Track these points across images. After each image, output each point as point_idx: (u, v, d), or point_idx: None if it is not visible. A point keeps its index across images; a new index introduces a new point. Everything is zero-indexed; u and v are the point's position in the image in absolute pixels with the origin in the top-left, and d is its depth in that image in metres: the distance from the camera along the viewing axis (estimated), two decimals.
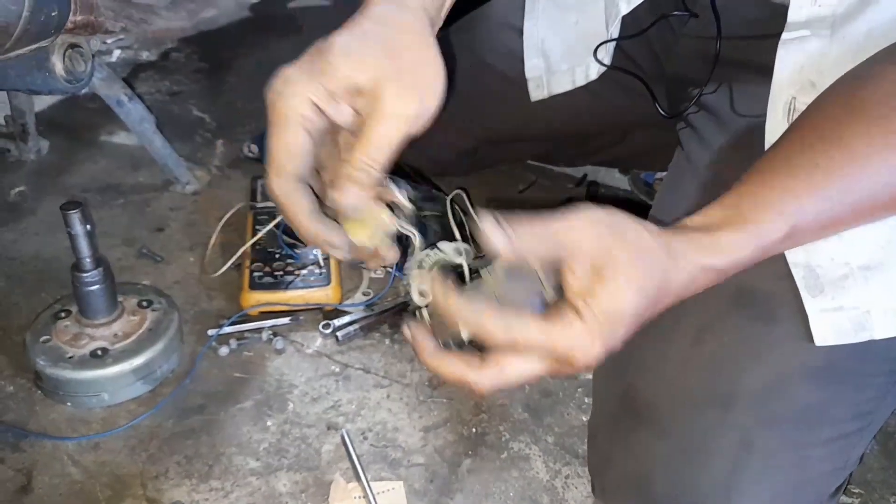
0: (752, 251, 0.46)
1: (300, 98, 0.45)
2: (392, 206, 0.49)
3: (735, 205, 0.47)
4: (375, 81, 0.45)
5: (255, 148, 1.18)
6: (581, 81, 0.83)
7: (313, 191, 0.49)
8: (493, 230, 0.42)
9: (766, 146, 0.57)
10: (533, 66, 0.85)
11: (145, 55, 1.51)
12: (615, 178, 1.18)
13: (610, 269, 0.42)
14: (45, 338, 0.77)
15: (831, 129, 0.47)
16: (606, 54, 0.80)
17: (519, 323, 0.42)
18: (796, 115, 0.56)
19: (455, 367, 0.44)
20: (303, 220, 0.46)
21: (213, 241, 0.97)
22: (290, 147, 0.45)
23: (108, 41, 1.19)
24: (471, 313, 0.43)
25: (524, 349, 0.43)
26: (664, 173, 0.84)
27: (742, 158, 0.63)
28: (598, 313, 0.42)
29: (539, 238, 0.43)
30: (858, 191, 0.46)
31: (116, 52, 1.50)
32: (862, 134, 0.46)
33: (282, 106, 0.45)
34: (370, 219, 0.48)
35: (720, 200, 0.49)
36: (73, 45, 0.76)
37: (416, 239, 0.49)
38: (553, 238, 0.43)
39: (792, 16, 0.58)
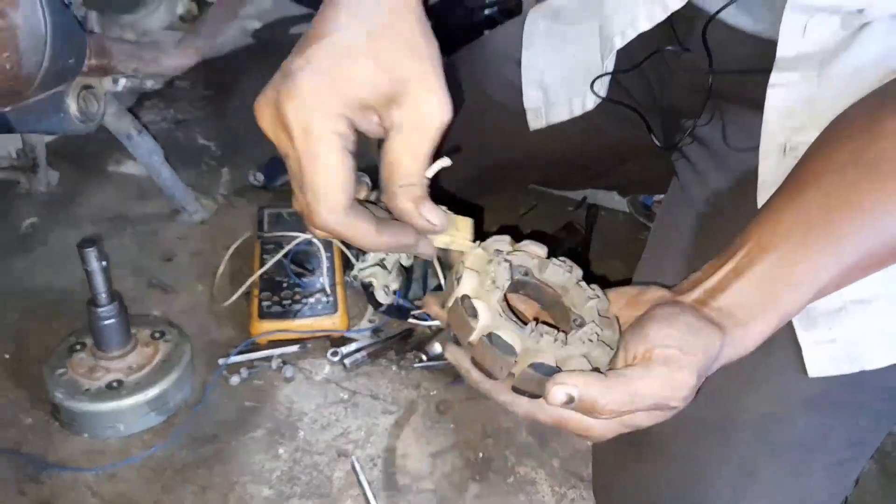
0: (775, 327, 0.48)
1: (335, 118, 0.40)
2: None
3: (762, 286, 0.48)
4: (410, 88, 0.41)
5: (260, 176, 1.21)
6: (578, 112, 0.86)
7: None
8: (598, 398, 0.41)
9: (760, 184, 0.59)
10: (531, 98, 0.87)
11: (150, 84, 1.52)
12: (614, 201, 1.20)
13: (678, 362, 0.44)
14: (61, 371, 0.79)
15: (847, 193, 0.48)
16: (602, 86, 0.83)
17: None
18: (792, 153, 0.57)
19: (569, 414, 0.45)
20: (372, 240, 0.43)
21: (220, 270, 1.00)
22: (339, 176, 0.40)
23: (121, 79, 1.21)
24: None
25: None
26: (662, 196, 0.87)
27: (732, 190, 0.65)
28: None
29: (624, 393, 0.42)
30: (872, 251, 0.48)
31: (122, 82, 1.52)
32: (874, 192, 0.47)
33: (317, 130, 0.40)
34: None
35: (745, 273, 0.48)
36: (86, 87, 0.79)
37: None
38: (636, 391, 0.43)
39: (781, 51, 0.60)
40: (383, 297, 0.88)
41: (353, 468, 0.74)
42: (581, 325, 0.47)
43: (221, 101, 1.49)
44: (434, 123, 0.42)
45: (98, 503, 0.71)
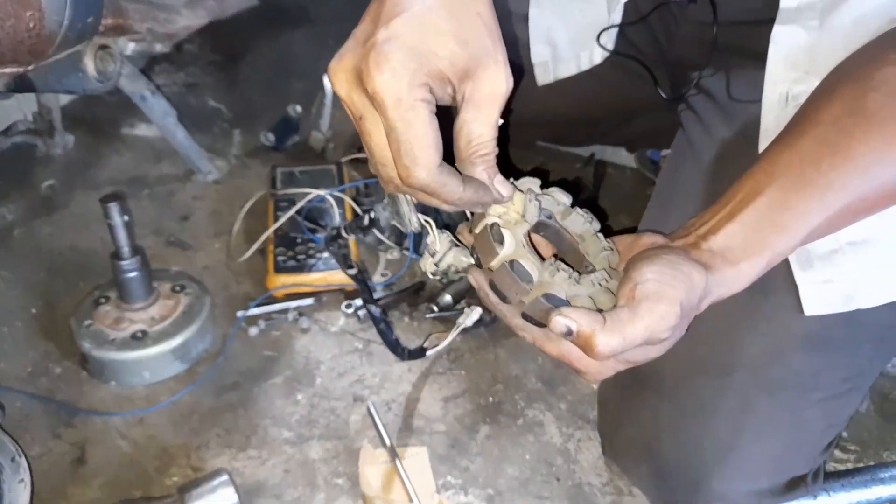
0: (764, 268, 0.50)
1: (420, 85, 0.43)
2: None
3: (754, 228, 0.50)
4: (482, 62, 0.45)
5: (271, 137, 1.22)
6: (586, 66, 0.87)
7: None
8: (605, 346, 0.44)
9: (762, 132, 0.60)
10: (539, 53, 0.88)
11: (159, 48, 1.54)
12: (622, 157, 1.21)
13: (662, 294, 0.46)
14: (88, 322, 0.82)
15: (839, 141, 0.50)
16: (609, 40, 0.84)
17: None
18: (794, 102, 0.59)
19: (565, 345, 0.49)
20: (459, 194, 0.46)
21: (236, 227, 1.02)
22: (431, 138, 0.43)
23: (135, 38, 1.23)
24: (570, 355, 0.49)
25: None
26: (669, 150, 0.88)
27: (736, 139, 0.67)
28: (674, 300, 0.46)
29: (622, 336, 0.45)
30: (861, 197, 0.50)
31: (131, 46, 1.53)
32: (865, 140, 0.49)
33: (408, 98, 0.42)
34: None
35: (738, 216, 0.50)
36: (103, 47, 0.80)
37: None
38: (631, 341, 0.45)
39: (784, 2, 0.61)
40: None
41: (369, 411, 0.77)
42: (591, 271, 0.50)
43: (230, 64, 1.50)
44: (501, 95, 0.45)
45: (128, 445, 0.75)
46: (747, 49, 0.66)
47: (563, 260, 0.52)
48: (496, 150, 0.47)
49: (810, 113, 0.54)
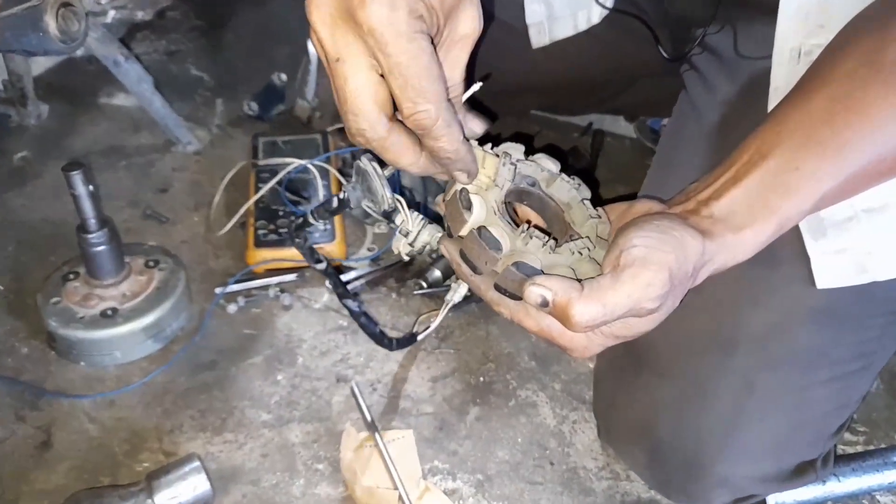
0: (772, 235, 0.46)
1: (416, 15, 0.40)
2: None
3: (759, 192, 0.45)
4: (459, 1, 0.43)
5: (255, 106, 1.17)
6: (583, 26, 0.82)
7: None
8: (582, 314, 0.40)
9: (772, 90, 0.56)
10: (533, 12, 0.83)
11: (140, 15, 1.48)
12: (621, 126, 1.16)
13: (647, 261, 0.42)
14: (55, 299, 0.78)
15: (854, 96, 0.45)
16: None
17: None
18: (807, 58, 0.54)
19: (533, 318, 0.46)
20: (461, 146, 0.43)
21: (216, 200, 0.98)
22: (435, 68, 0.41)
23: (103, 1, 1.17)
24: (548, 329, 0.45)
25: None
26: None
27: (744, 98, 0.62)
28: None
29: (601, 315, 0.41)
30: (878, 158, 0.45)
31: (111, 13, 1.47)
32: (882, 97, 0.45)
33: (407, 27, 0.39)
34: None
35: (743, 180, 0.46)
36: (65, 4, 0.75)
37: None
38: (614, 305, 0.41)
39: None
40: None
41: (353, 392, 0.73)
42: (574, 239, 0.46)
43: (213, 32, 1.45)
44: (472, 37, 0.45)
45: (96, 428, 0.71)
46: (755, 2, 0.61)
47: (542, 230, 0.47)
48: (463, 93, 0.47)
49: (823, 69, 0.49)
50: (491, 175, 0.47)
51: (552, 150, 0.53)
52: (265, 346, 0.80)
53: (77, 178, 0.70)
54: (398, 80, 0.40)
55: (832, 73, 0.48)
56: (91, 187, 0.72)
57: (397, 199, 0.50)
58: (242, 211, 0.92)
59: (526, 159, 0.50)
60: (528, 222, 0.47)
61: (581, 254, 0.45)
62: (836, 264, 0.54)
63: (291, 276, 0.88)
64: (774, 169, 0.46)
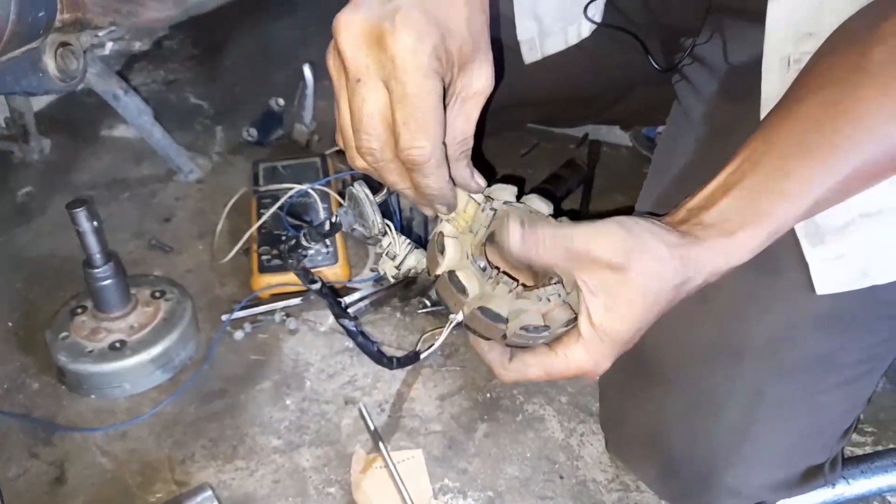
0: (767, 239, 0.46)
1: (437, 56, 0.42)
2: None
3: (751, 198, 0.46)
4: (475, 53, 0.45)
5: (254, 132, 1.19)
6: (574, 40, 0.82)
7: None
8: (515, 232, 0.43)
9: (763, 99, 0.56)
10: (525, 29, 0.84)
11: (138, 45, 1.50)
12: (617, 136, 1.17)
13: (620, 287, 0.44)
14: (63, 334, 0.78)
15: (843, 101, 0.46)
16: (597, 11, 0.79)
17: (523, 369, 0.48)
18: (796, 66, 0.55)
19: (490, 355, 0.50)
20: (447, 187, 0.46)
21: (219, 227, 0.99)
22: (440, 110, 0.43)
23: (100, 34, 1.19)
24: (492, 363, 0.50)
25: (540, 380, 0.49)
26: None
27: (735, 108, 0.63)
28: (601, 335, 0.45)
29: (559, 247, 0.44)
30: (872, 160, 0.46)
31: (109, 45, 1.49)
32: (873, 98, 0.45)
33: (426, 63, 0.41)
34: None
35: (734, 188, 0.47)
36: (63, 44, 0.76)
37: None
38: (572, 248, 0.44)
39: None
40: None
41: (361, 414, 0.74)
42: (557, 282, 0.48)
43: (211, 59, 1.46)
44: (483, 92, 0.46)
45: (109, 461, 0.72)
46: (744, 10, 0.62)
47: (511, 276, 0.49)
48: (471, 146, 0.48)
49: (810, 75, 0.50)
50: (467, 220, 0.49)
51: (546, 192, 0.55)
52: (273, 371, 0.81)
53: (81, 214, 0.71)
54: (404, 111, 0.42)
55: (820, 78, 0.48)
56: (95, 223, 0.73)
57: (386, 224, 0.52)
58: (246, 237, 0.93)
59: (517, 201, 0.51)
60: (498, 268, 0.49)
61: (550, 300, 0.47)
62: (835, 270, 0.54)
63: (296, 301, 0.89)
64: (765, 176, 0.46)
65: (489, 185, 0.51)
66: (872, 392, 0.62)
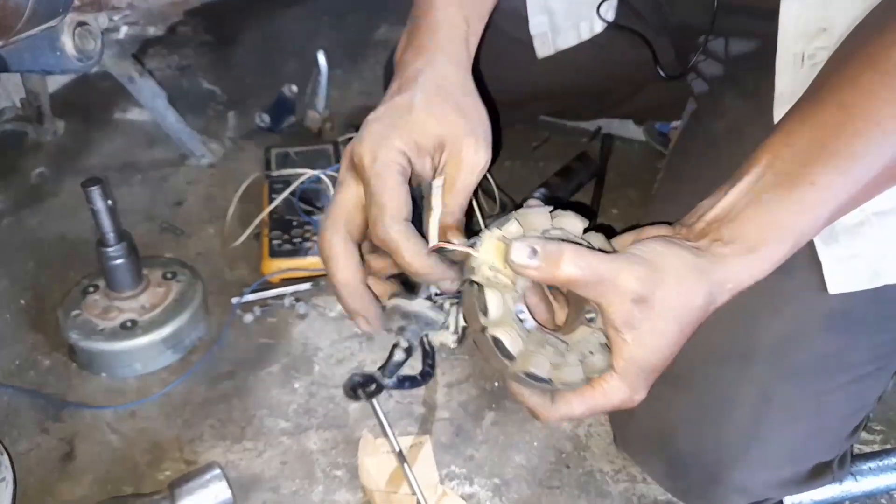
0: (790, 251, 0.46)
1: (396, 151, 0.49)
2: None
3: (774, 211, 0.45)
4: (455, 137, 0.51)
5: (266, 118, 1.19)
6: (586, 35, 0.82)
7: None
8: (522, 255, 0.43)
9: (776, 96, 0.56)
10: (537, 23, 0.84)
11: (152, 30, 1.51)
12: (630, 130, 1.16)
13: (648, 322, 0.44)
14: (75, 312, 0.79)
15: (862, 103, 0.45)
16: (610, 8, 0.79)
17: (568, 409, 0.48)
18: (810, 62, 0.54)
19: (532, 399, 0.50)
20: (422, 259, 0.48)
21: (231, 212, 0.99)
22: (399, 193, 0.48)
23: (115, 17, 1.19)
24: (535, 407, 0.50)
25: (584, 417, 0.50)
26: (679, 122, 0.84)
27: (754, 114, 0.62)
28: (635, 369, 0.45)
29: (584, 274, 0.43)
30: (891, 164, 0.45)
31: (124, 29, 1.49)
32: (891, 101, 0.44)
33: (382, 157, 0.49)
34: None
35: (755, 200, 0.46)
36: (81, 24, 0.76)
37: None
38: (596, 276, 0.43)
39: None
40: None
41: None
42: (591, 320, 0.46)
43: (225, 45, 1.47)
44: (473, 168, 0.51)
45: (118, 439, 0.72)
46: (756, 7, 0.61)
47: (543, 325, 0.48)
48: (461, 219, 0.52)
49: (828, 77, 0.49)
50: (511, 277, 0.45)
51: (580, 207, 0.54)
52: (282, 354, 0.81)
53: (96, 193, 0.72)
54: (367, 199, 0.49)
55: (838, 81, 0.47)
56: (109, 202, 0.73)
57: (446, 312, 0.53)
58: (257, 222, 0.94)
59: (552, 228, 0.48)
60: (541, 324, 0.47)
61: (592, 353, 0.46)
62: (848, 269, 0.54)
63: (306, 286, 0.89)
64: (788, 185, 0.45)
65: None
66: (882, 391, 0.62)
